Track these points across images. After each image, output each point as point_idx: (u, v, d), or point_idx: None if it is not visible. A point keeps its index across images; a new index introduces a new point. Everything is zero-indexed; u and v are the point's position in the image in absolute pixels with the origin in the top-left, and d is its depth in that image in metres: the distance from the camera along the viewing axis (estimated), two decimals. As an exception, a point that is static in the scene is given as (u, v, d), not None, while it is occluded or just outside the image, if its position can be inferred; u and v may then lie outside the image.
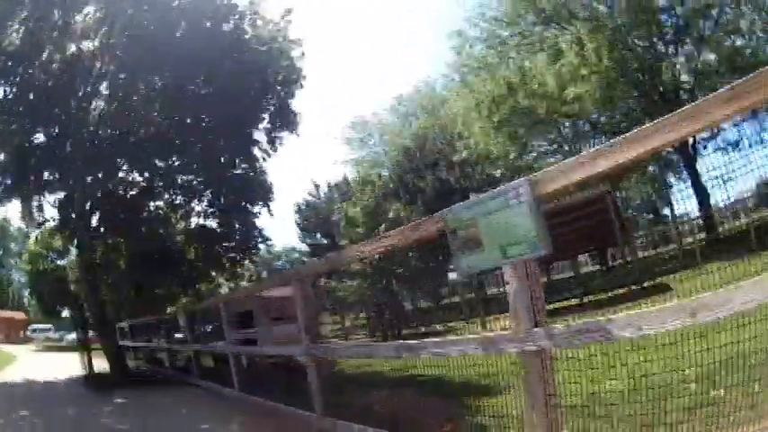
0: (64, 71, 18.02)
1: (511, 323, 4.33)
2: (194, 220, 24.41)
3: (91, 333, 22.69)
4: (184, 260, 23.92)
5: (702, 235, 28.86)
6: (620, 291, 21.84)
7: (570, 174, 3.89)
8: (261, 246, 26.63)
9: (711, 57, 32.61)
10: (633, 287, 21.19)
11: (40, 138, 19.82)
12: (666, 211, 47.50)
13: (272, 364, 15.29)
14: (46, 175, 20.35)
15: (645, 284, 20.88)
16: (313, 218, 65.80)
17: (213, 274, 25.85)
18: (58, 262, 44.36)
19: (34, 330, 56.28)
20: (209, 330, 18.30)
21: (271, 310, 24.33)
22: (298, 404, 8.82)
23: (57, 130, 19.48)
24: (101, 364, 19.62)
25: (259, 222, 24.07)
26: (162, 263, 22.05)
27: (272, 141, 22.29)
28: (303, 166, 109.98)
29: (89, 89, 19.19)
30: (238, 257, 24.56)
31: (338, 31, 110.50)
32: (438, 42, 70.24)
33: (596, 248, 31.75)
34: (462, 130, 42.20)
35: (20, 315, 66.51)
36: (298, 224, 67.90)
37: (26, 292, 70.13)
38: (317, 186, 67.89)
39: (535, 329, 4.09)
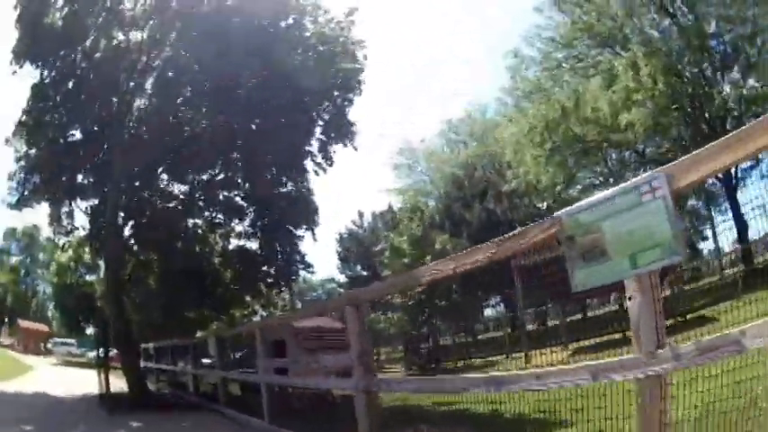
0: (108, 60, 16.89)
1: (633, 344, 3.72)
2: (234, 242, 23.05)
3: (114, 352, 21.21)
4: (220, 282, 22.50)
5: (739, 267, 28.08)
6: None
7: (715, 158, 3.25)
8: (302, 272, 24.87)
9: (758, 84, 32.38)
10: (679, 319, 20.35)
11: (76, 135, 18.69)
12: (701, 246, 46.50)
13: (306, 396, 14.36)
14: (79, 177, 19.31)
15: (687, 317, 20.66)
16: (354, 248, 65.51)
17: (249, 299, 24.22)
18: (87, 277, 44.71)
19: (55, 344, 55.66)
20: (238, 357, 17.09)
21: (304, 340, 22.99)
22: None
23: (95, 128, 18.36)
24: (120, 384, 18.15)
25: (301, 247, 22.46)
26: (195, 283, 20.65)
27: (325, 154, 20.43)
28: (346, 193, 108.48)
29: (132, 84, 17.98)
30: (278, 283, 22.93)
31: (387, 53, 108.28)
32: (493, 66, 69.71)
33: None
34: (513, 159, 41.53)
35: (42, 327, 65.81)
36: (338, 254, 67.44)
37: (51, 305, 70.95)
38: (361, 215, 67.85)
39: (659, 351, 3.47)
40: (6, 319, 72.48)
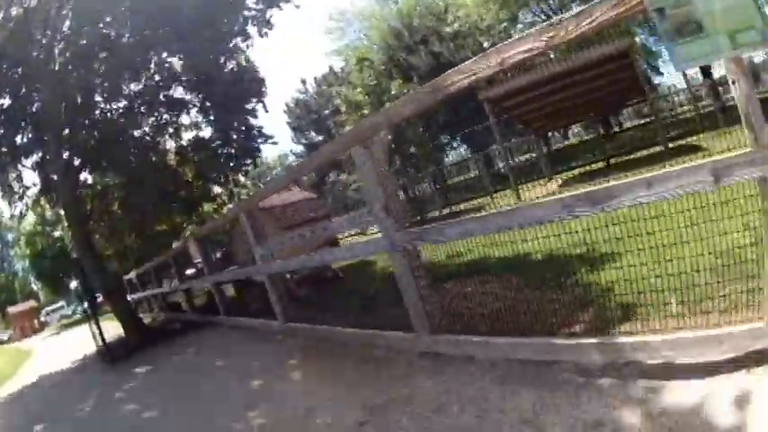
0: (20, 26, 15.47)
1: (747, 137, 3.29)
2: (186, 136, 21.42)
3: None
4: (182, 183, 21.06)
5: (712, 101, 28.80)
6: (647, 152, 21.46)
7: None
8: (262, 146, 23.20)
9: None
10: (667, 146, 20.26)
11: (5, 102, 16.98)
12: (658, 80, 48.95)
13: (305, 280, 13.16)
14: (18, 139, 17.80)
15: (670, 145, 20.46)
16: (304, 116, 66.29)
17: (217, 191, 22.68)
18: (56, 234, 44.55)
19: (48, 313, 54.82)
20: (219, 256, 16.45)
21: (280, 219, 21.70)
22: (382, 324, 6.56)
23: (22, 89, 16.86)
24: (116, 329, 17.04)
25: (255, 122, 21.08)
26: (158, 192, 19.30)
27: (263, 18, 18.55)
28: (282, 66, 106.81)
29: (48, 33, 16.27)
30: (242, 162, 21.37)
31: None
32: None
33: (615, 108, 31.06)
34: (451, 2, 42.17)
35: (29, 304, 62.86)
36: (289, 124, 68.15)
37: (32, 278, 69.19)
38: (304, 82, 68.55)
39: (774, 142, 3.11)
40: (-1, 313, 71.16)
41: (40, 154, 18.18)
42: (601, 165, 23.36)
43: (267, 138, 21.49)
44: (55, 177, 17.47)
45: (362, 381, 5.71)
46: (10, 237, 76.67)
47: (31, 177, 18.54)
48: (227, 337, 11.73)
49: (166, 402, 7.96)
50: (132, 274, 23.06)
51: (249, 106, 20.36)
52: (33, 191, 19.71)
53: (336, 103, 40.66)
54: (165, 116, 20.40)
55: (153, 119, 20.35)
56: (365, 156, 5.53)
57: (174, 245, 19.55)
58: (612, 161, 22.84)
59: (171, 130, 20.95)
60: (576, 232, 4.98)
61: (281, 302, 9.24)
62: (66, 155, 17.28)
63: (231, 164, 21.07)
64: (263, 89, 20.36)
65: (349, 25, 57.92)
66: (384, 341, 6.31)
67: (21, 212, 20.78)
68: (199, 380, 8.72)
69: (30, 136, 17.80)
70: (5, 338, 57.53)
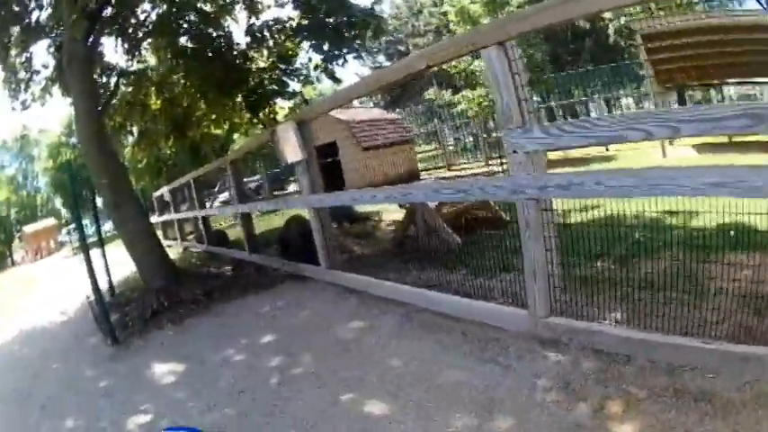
0: None
1: None
2: (264, 17, 15.20)
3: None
4: (250, 70, 15.18)
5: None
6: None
7: None
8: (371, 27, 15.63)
9: None
10: None
11: None
12: None
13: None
14: (34, 16, 13.05)
15: None
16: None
17: (295, 89, 16.36)
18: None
19: (69, 232, 52.75)
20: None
21: (360, 137, 19.09)
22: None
23: None
24: (127, 267, 11.57)
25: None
26: (215, 78, 14.10)
27: None
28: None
29: None
30: (356, 34, 14.65)
31: None
32: None
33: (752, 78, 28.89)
34: None
35: (48, 222, 60.95)
36: None
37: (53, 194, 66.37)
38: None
39: None
40: (16, 234, 67.04)
41: (56, 32, 13.41)
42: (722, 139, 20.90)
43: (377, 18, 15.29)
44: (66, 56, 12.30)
45: None
46: (35, 150, 72.55)
47: (42, 59, 15.37)
48: (357, 322, 5.83)
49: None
50: (164, 190, 18.44)
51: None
52: (45, 74, 14.57)
53: (446, 11, 35.96)
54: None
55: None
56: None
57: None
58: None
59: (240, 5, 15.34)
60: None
61: (548, 277, 4.29)
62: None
63: (333, 39, 14.71)
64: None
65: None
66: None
67: (23, 104, 15.24)
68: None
69: (50, 11, 13.13)
70: (19, 259, 57.06)
